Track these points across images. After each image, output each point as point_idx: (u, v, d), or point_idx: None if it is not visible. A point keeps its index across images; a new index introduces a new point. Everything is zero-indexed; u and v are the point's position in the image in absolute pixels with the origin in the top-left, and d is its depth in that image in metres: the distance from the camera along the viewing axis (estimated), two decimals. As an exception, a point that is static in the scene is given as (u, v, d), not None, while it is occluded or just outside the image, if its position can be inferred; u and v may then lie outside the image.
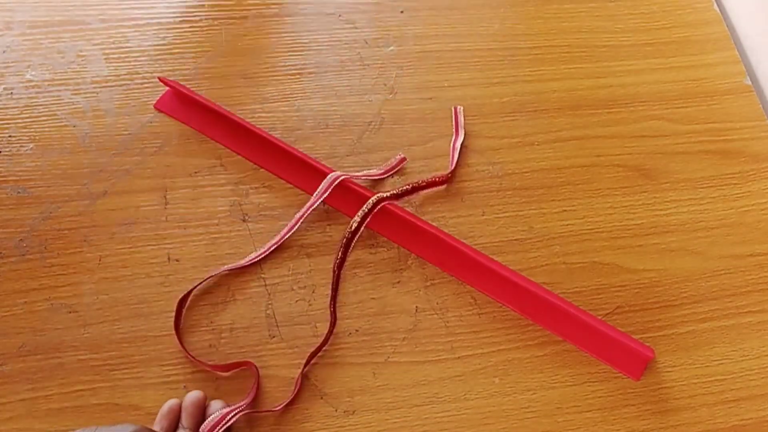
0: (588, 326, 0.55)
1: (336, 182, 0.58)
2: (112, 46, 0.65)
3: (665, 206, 0.62)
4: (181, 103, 0.62)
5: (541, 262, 0.58)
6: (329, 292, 0.56)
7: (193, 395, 0.50)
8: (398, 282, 0.57)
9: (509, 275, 0.56)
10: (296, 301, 0.56)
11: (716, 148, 0.65)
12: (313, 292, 0.56)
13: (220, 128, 0.62)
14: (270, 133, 0.61)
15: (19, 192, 0.58)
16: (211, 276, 0.55)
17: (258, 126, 0.61)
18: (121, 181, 0.59)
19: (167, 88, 0.63)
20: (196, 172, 0.60)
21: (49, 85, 0.63)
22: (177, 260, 0.56)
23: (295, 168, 0.60)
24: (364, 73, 0.66)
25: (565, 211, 0.61)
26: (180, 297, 0.54)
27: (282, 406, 0.52)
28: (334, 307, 0.55)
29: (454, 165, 0.61)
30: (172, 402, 0.50)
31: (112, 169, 0.60)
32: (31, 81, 0.63)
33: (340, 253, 0.57)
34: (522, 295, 0.56)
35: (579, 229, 0.60)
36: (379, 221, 0.59)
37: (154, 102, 0.63)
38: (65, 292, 0.55)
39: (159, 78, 0.63)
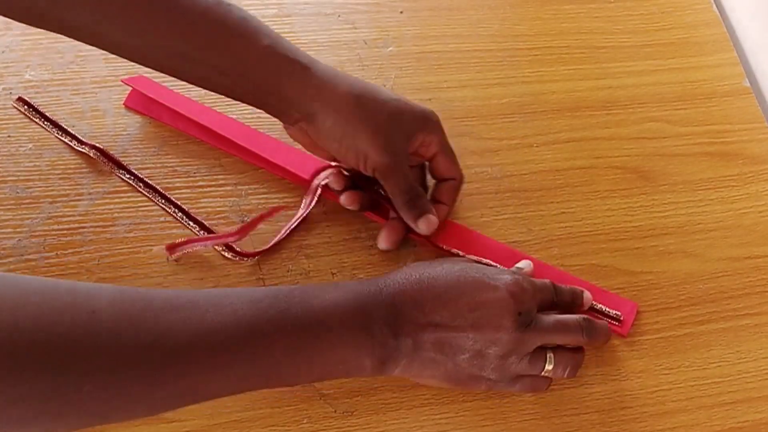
0: (571, 283, 0.56)
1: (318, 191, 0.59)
2: (112, 45, 0.65)
3: (663, 208, 0.62)
4: (150, 100, 0.62)
5: (540, 264, 0.59)
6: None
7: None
8: (397, 283, 0.57)
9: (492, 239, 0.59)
10: (295, 302, 0.56)
11: (715, 150, 0.65)
12: (311, 293, 0.56)
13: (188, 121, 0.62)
14: (269, 134, 0.61)
15: (18, 192, 0.58)
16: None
17: (258, 128, 0.61)
18: (121, 181, 0.59)
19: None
20: (195, 172, 0.60)
21: (48, 85, 0.63)
22: (177, 260, 0.56)
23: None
24: (363, 73, 0.66)
25: (563, 213, 0.61)
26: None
27: None
28: None
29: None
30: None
31: (112, 169, 0.60)
32: (30, 81, 0.63)
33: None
34: (505, 255, 0.57)
35: (577, 231, 0.60)
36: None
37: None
38: (64, 293, 0.54)
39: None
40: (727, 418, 0.54)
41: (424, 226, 0.55)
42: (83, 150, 0.59)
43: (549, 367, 0.50)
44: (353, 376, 0.48)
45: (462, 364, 0.48)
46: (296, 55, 0.52)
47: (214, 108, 0.62)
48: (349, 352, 0.46)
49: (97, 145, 0.59)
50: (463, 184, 0.59)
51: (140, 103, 0.62)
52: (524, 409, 0.53)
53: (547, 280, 0.53)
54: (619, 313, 0.55)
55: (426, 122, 0.55)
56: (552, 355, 0.50)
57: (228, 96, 0.53)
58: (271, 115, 0.54)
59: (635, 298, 0.57)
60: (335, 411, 0.52)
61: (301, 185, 0.60)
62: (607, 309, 0.55)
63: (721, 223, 0.62)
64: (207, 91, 0.54)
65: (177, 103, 0.61)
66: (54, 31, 0.50)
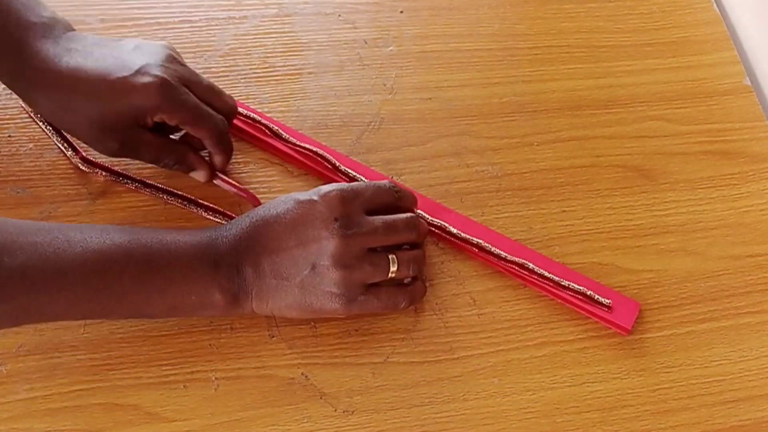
0: (573, 280, 0.56)
1: None
2: (112, 46, 0.65)
3: (664, 207, 0.62)
4: None
5: (540, 263, 0.58)
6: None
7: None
8: (397, 282, 0.57)
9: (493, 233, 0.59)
10: (295, 301, 0.56)
11: (715, 149, 0.65)
12: (312, 292, 0.56)
13: None
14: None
15: (18, 192, 0.58)
16: None
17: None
18: (121, 180, 0.59)
19: None
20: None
21: (48, 85, 0.63)
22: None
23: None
24: (363, 73, 0.66)
25: (564, 211, 0.61)
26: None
27: None
28: None
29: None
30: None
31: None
32: (30, 81, 0.63)
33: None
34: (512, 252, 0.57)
35: (578, 229, 0.60)
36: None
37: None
38: (64, 292, 0.54)
39: None
40: (728, 416, 0.53)
41: (197, 178, 0.58)
42: (76, 162, 0.59)
43: (393, 268, 0.51)
44: (209, 312, 0.50)
45: (306, 282, 0.49)
46: (9, 29, 0.51)
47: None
48: (198, 283, 0.48)
49: (92, 159, 0.59)
50: (223, 131, 0.56)
51: None
52: (525, 407, 0.53)
53: (386, 182, 0.54)
54: (609, 301, 0.56)
55: (145, 100, 0.52)
56: (394, 255, 0.51)
57: None
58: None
59: (636, 297, 0.57)
60: (335, 410, 0.52)
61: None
62: (598, 296, 0.55)
63: (722, 221, 0.62)
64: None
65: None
66: None
